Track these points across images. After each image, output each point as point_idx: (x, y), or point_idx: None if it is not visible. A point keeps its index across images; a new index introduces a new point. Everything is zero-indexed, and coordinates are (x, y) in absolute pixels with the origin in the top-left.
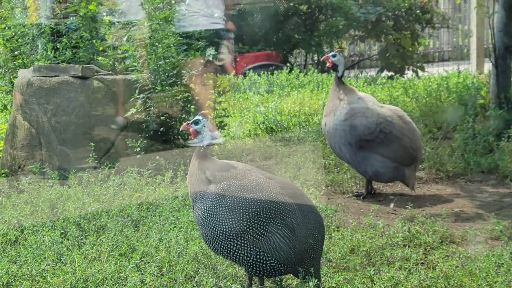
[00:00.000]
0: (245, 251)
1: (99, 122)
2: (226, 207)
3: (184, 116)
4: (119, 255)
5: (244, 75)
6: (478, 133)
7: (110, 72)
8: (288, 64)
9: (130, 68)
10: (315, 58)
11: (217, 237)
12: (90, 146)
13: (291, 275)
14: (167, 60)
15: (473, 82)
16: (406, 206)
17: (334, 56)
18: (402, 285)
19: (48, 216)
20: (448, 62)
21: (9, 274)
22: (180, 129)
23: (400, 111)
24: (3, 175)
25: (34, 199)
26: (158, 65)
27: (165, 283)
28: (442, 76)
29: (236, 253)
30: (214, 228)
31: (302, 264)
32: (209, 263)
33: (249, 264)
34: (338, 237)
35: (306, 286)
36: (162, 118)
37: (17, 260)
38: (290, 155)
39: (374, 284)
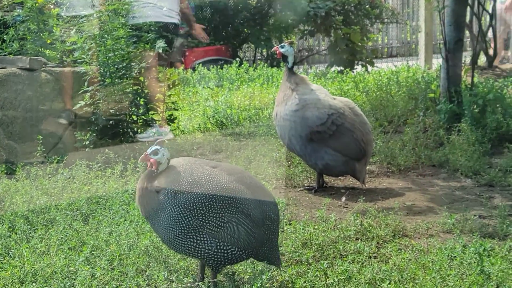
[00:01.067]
0: (206, 245)
1: (47, 115)
2: (180, 207)
3: (133, 109)
4: (68, 249)
5: (194, 69)
6: (429, 127)
7: (59, 64)
8: (237, 59)
9: (79, 60)
10: (265, 52)
11: (176, 237)
12: (38, 139)
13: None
14: (116, 53)
15: (423, 76)
16: (358, 200)
17: (282, 47)
18: (355, 279)
19: None
20: (396, 58)
21: None
22: (139, 161)
23: (351, 103)
24: None
25: None
26: (107, 57)
27: (115, 277)
28: (392, 70)
29: (197, 248)
30: (172, 229)
31: (262, 246)
32: (160, 256)
33: (211, 257)
34: (290, 231)
35: (259, 280)
36: (111, 111)
37: None
38: (241, 149)
39: (328, 278)
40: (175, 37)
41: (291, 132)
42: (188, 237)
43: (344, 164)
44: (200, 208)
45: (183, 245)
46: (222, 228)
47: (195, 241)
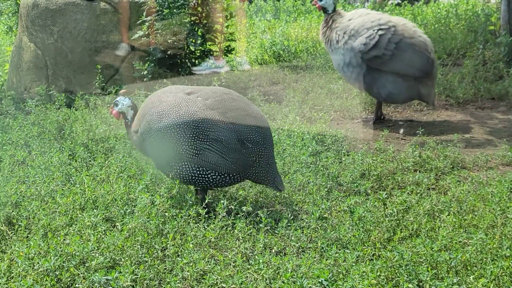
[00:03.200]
0: (188, 171)
1: (106, 44)
2: (154, 138)
3: (191, 39)
4: (128, 176)
5: (250, 1)
6: (488, 60)
7: None
8: None
9: None
10: None
11: (163, 166)
12: (96, 68)
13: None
14: None
15: (482, 8)
16: (416, 132)
17: (321, 0)
18: (414, 209)
19: (55, 137)
20: None
21: (17, 194)
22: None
23: (403, 19)
24: (9, 97)
25: (41, 121)
26: None
27: (175, 204)
28: (451, 3)
29: (182, 174)
30: (156, 159)
31: (249, 170)
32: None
33: (195, 181)
34: (348, 162)
35: (318, 209)
36: (169, 41)
37: (26, 181)
38: (298, 81)
39: (386, 208)
40: None
41: (345, 63)
42: (172, 164)
43: (409, 89)
44: (172, 138)
45: (171, 172)
46: (197, 155)
47: (178, 167)
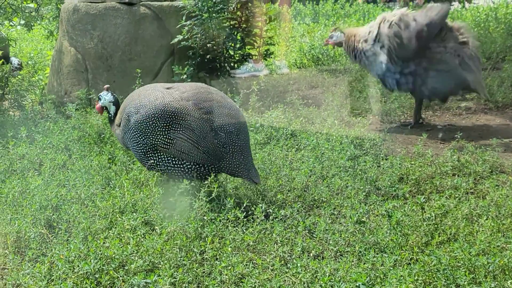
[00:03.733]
0: (164, 161)
1: (146, 49)
2: (132, 129)
3: (230, 43)
4: (167, 180)
5: (290, 5)
6: None
7: None
8: None
9: None
10: None
11: (141, 157)
12: (136, 72)
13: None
14: None
15: None
16: (455, 136)
17: (331, 37)
18: (452, 213)
19: (95, 141)
20: None
21: (58, 198)
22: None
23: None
24: (50, 101)
25: (81, 125)
26: None
27: (214, 208)
28: (491, 6)
29: (159, 165)
30: (136, 151)
31: (223, 160)
32: (258, 190)
33: (171, 172)
34: (387, 166)
35: (356, 213)
36: (208, 45)
37: (66, 184)
38: (337, 84)
39: (425, 212)
40: None
41: (382, 65)
42: (148, 155)
43: (454, 78)
44: (148, 128)
45: (147, 162)
46: (171, 144)
47: (154, 158)
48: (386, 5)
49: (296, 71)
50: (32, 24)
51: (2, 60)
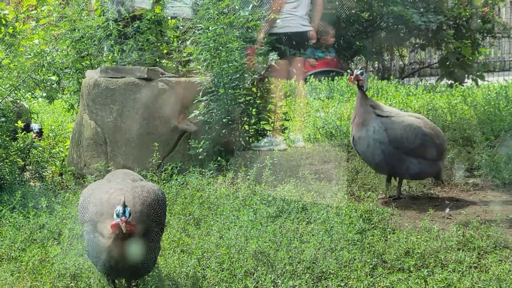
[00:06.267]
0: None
1: (163, 123)
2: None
3: (245, 118)
4: (181, 251)
5: (305, 80)
6: None
7: (174, 74)
8: (349, 71)
9: (194, 71)
10: (376, 65)
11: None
12: (154, 146)
13: (347, 272)
14: (230, 64)
15: None
16: (461, 212)
17: (362, 74)
18: (454, 287)
19: None
20: (509, 72)
21: (75, 266)
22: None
23: (424, 118)
24: (69, 172)
25: None
26: (221, 69)
27: (225, 278)
28: (501, 85)
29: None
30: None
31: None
32: (267, 260)
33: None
34: (393, 239)
35: (361, 285)
36: (224, 120)
37: (83, 255)
38: (349, 160)
39: (428, 285)
40: (306, 43)
41: (377, 154)
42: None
43: (431, 167)
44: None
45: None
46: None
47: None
48: (400, 82)
49: (310, 146)
50: (53, 97)
51: (24, 132)
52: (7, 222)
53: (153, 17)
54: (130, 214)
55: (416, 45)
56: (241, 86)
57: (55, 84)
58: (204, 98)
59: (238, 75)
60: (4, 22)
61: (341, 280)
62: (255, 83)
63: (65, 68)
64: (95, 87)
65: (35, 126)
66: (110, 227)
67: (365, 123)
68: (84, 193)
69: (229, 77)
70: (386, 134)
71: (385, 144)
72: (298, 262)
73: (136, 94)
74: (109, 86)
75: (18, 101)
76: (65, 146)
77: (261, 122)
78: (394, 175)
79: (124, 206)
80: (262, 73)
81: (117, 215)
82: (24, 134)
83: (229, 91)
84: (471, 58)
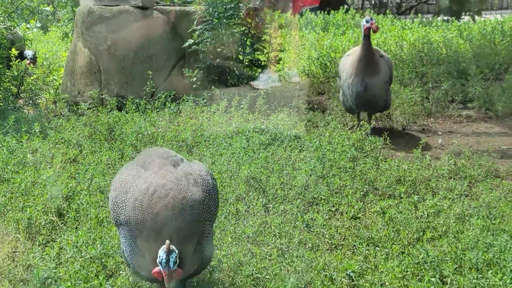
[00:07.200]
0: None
1: (158, 52)
2: None
3: (240, 49)
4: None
5: (301, 15)
6: None
7: (169, 3)
8: (345, 6)
9: (188, 0)
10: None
11: None
12: (148, 74)
13: (340, 199)
14: None
15: None
16: (454, 142)
17: (372, 18)
18: (444, 213)
19: (106, 138)
20: (507, 10)
21: (68, 188)
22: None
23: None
24: (63, 100)
25: (92, 122)
26: None
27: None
28: (498, 20)
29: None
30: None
31: None
32: (259, 185)
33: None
34: (385, 168)
35: (351, 209)
36: (218, 50)
37: (76, 177)
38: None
39: (418, 210)
40: None
41: (383, 93)
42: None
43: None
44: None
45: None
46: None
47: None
48: (397, 17)
49: (305, 78)
50: (48, 26)
51: (18, 59)
52: (0, 145)
53: None
54: (176, 263)
55: None
56: (235, 16)
57: (50, 16)
58: (199, 27)
59: (233, 5)
60: None
61: (332, 206)
62: (250, 13)
63: None
64: (89, 15)
65: (28, 52)
66: (152, 273)
67: (378, 70)
68: (116, 185)
69: (224, 6)
70: (389, 74)
71: (388, 83)
72: (289, 188)
73: (130, 22)
74: (103, 14)
75: (12, 28)
76: (59, 74)
77: (255, 53)
78: (387, 109)
79: (169, 252)
80: (257, 3)
81: (160, 263)
82: (18, 62)
83: (224, 20)
84: None
